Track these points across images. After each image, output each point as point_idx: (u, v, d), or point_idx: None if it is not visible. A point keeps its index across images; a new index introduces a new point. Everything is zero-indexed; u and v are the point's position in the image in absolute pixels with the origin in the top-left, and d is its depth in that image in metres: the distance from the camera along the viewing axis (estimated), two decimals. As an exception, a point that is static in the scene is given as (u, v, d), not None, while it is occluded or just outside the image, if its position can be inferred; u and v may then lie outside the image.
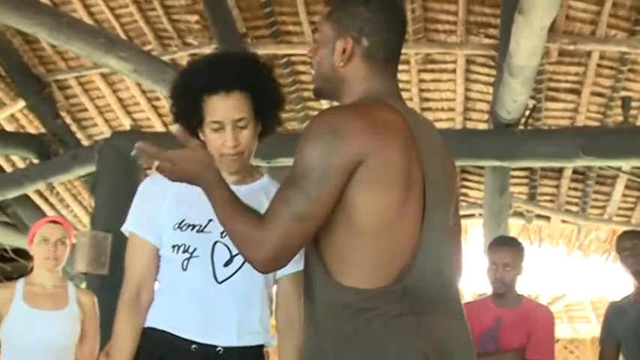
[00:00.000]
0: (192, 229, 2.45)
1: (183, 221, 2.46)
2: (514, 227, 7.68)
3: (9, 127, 7.99)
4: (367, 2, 2.19)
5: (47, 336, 3.92)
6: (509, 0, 5.50)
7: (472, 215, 7.62)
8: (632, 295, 4.37)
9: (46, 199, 8.50)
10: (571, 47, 6.32)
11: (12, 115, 7.96)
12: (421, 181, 2.03)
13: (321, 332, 2.00)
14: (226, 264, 2.43)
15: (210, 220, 2.41)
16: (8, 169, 8.29)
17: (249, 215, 2.00)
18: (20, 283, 4.06)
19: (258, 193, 2.49)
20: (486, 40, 6.46)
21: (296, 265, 2.42)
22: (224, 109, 2.44)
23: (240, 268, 2.42)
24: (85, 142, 7.83)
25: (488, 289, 4.39)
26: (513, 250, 4.29)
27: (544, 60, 6.14)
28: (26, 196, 8.18)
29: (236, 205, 2.05)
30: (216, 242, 2.44)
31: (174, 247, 2.45)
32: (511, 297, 4.26)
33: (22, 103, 7.79)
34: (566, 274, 9.39)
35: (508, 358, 4.11)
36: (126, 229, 2.58)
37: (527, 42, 4.72)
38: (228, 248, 2.43)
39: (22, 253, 8.59)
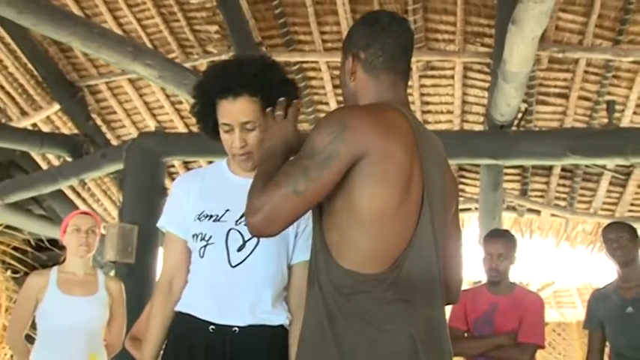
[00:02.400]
0: (209, 219, 2.45)
1: (202, 212, 2.47)
2: (507, 220, 7.65)
3: (45, 128, 8.00)
4: (365, 21, 2.25)
5: (78, 320, 3.92)
6: (503, 11, 5.46)
7: (468, 209, 7.59)
8: (615, 282, 4.33)
9: (78, 194, 8.50)
10: (560, 55, 6.30)
11: (48, 117, 7.97)
12: (421, 183, 2.04)
13: (323, 311, 1.99)
14: (239, 249, 2.42)
15: (227, 210, 2.44)
16: (44, 166, 8.31)
17: (262, 183, 2.01)
18: (54, 271, 4.06)
19: None
20: (482, 49, 6.44)
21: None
22: (232, 112, 2.42)
23: (252, 252, 2.42)
24: (114, 142, 7.84)
25: (483, 278, 4.38)
26: (506, 241, 4.28)
27: (535, 67, 6.12)
28: (60, 191, 8.19)
29: (264, 169, 2.07)
30: (230, 229, 2.43)
31: (194, 236, 2.46)
32: (505, 285, 4.24)
33: (56, 106, 7.80)
34: (555, 263, 9.36)
35: (502, 341, 4.10)
36: (159, 225, 2.60)
37: (520, 50, 4.69)
38: (241, 234, 2.42)
39: (57, 243, 8.62)
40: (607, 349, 4.39)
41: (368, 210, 1.97)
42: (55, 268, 4.10)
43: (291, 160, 2.03)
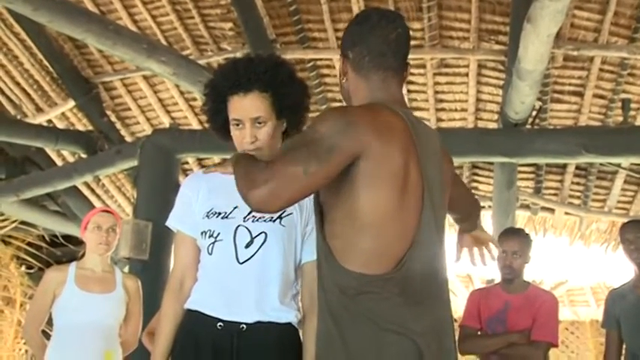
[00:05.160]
0: (217, 216, 2.47)
1: (211, 210, 2.49)
2: (521, 218, 7.63)
3: (60, 125, 8.05)
4: (356, 20, 2.25)
5: (96, 317, 3.94)
6: (518, 9, 5.47)
7: (482, 207, 7.58)
8: (632, 282, 4.31)
9: (92, 191, 8.53)
10: (575, 53, 6.27)
11: (63, 114, 8.01)
12: (420, 183, 2.06)
13: (328, 315, 2.02)
14: (247, 245, 2.43)
15: (235, 207, 2.44)
16: (59, 162, 8.35)
17: (258, 161, 2.06)
18: (72, 267, 4.07)
19: None
20: (497, 47, 6.42)
21: None
22: (242, 107, 2.44)
23: (259, 248, 2.42)
24: (129, 139, 7.86)
25: (496, 276, 4.37)
26: (522, 239, 4.29)
27: (550, 65, 6.09)
28: (75, 188, 8.23)
29: (250, 157, 2.14)
30: (238, 226, 2.44)
31: (203, 233, 2.48)
32: (519, 283, 4.24)
33: (71, 103, 7.83)
34: (568, 261, 9.30)
35: (515, 339, 4.09)
36: (169, 224, 2.62)
37: (535, 48, 4.69)
38: (249, 231, 2.44)
39: (71, 239, 8.67)
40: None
41: (368, 212, 1.99)
42: (74, 263, 4.11)
43: (295, 141, 2.04)
